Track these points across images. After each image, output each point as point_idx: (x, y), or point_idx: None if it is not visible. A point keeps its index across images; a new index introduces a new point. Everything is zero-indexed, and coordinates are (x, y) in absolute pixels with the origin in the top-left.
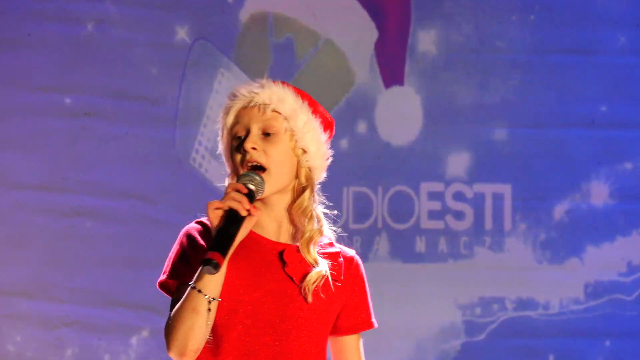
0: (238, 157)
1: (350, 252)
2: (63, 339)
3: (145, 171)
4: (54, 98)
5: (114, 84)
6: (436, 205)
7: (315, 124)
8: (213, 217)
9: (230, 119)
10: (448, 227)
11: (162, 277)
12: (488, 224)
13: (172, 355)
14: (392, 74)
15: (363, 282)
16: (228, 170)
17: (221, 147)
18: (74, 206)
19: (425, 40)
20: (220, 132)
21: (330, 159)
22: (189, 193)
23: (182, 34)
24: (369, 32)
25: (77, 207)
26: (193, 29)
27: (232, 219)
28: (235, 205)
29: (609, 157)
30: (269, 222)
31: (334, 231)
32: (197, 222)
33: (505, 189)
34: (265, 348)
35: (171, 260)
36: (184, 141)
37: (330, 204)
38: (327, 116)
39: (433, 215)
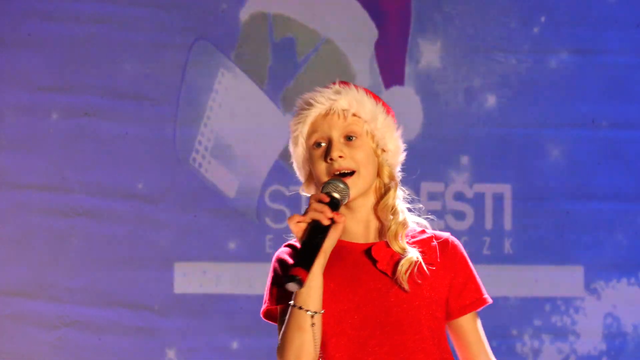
0: (323, 165)
1: (444, 234)
2: (63, 339)
3: (145, 171)
4: (54, 98)
5: (114, 84)
6: (436, 205)
7: (391, 122)
8: (296, 231)
9: (306, 128)
10: (448, 227)
11: (264, 306)
12: (488, 224)
13: None
14: (392, 74)
15: (464, 261)
16: (302, 179)
17: (294, 157)
18: (74, 206)
19: (426, 40)
20: (292, 142)
21: (404, 153)
22: (189, 193)
23: (182, 34)
24: (369, 32)
25: (77, 207)
26: (193, 29)
27: (316, 230)
28: (317, 215)
29: (609, 157)
30: (354, 225)
31: (430, 219)
32: (286, 246)
33: (505, 189)
34: (378, 348)
35: (268, 288)
36: (184, 141)
37: (415, 197)
38: (392, 111)
39: (433, 215)
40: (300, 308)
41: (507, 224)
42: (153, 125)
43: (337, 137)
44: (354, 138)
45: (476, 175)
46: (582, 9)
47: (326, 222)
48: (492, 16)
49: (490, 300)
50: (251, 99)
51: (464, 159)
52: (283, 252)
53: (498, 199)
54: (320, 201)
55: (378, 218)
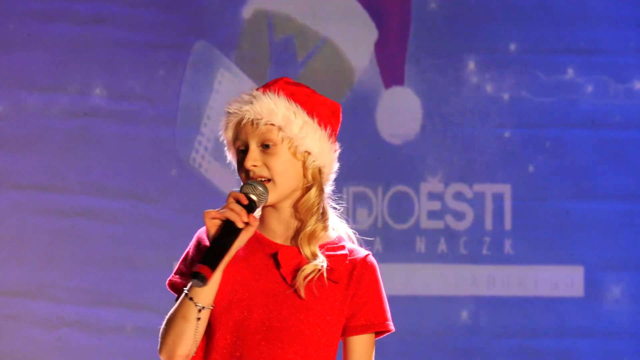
0: (242, 174)
1: (362, 253)
2: (63, 339)
3: (145, 171)
4: (54, 98)
5: (114, 84)
6: (436, 205)
7: (313, 125)
8: (210, 227)
9: (230, 133)
10: (448, 227)
11: (171, 276)
12: (488, 224)
13: (161, 357)
14: (392, 74)
15: (370, 284)
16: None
17: (229, 157)
18: (74, 206)
19: (425, 40)
20: (225, 142)
21: (338, 150)
22: (189, 193)
23: (182, 34)
24: (369, 32)
25: (77, 207)
26: (193, 29)
27: (229, 230)
28: (232, 216)
29: (609, 157)
30: (276, 224)
31: (354, 233)
32: None
33: (505, 189)
34: (255, 350)
35: (179, 261)
36: (184, 141)
37: (338, 207)
38: (328, 106)
39: (433, 215)
40: (191, 299)
41: (507, 224)
42: (153, 125)
43: (254, 145)
44: (270, 146)
45: (476, 175)
46: (582, 9)
47: (241, 225)
48: (492, 16)
49: (390, 329)
50: None
51: (464, 159)
52: (203, 233)
53: (498, 199)
54: (238, 202)
55: (300, 218)
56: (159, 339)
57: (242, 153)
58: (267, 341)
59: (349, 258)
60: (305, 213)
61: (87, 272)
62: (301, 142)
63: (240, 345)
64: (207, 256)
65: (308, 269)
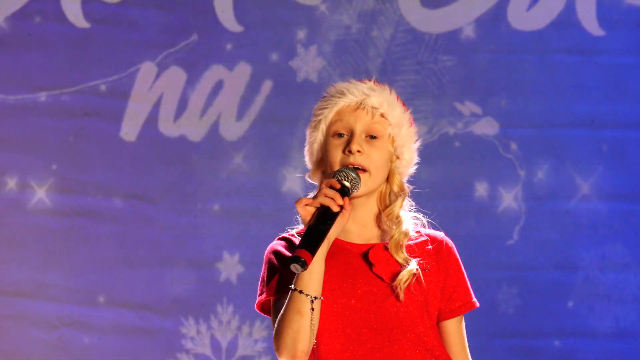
0: (338, 156)
1: (439, 235)
2: (63, 339)
3: (145, 171)
4: (54, 98)
5: (114, 85)
6: None
7: (413, 133)
8: (304, 215)
9: (331, 115)
10: None
11: (260, 297)
12: None
13: (283, 358)
14: None
15: (457, 264)
16: (309, 165)
17: (308, 140)
18: (74, 206)
19: (425, 40)
20: (311, 125)
21: (416, 167)
22: (189, 193)
23: (183, 34)
24: None
25: (77, 207)
26: (194, 29)
27: (324, 216)
28: (327, 201)
29: (609, 157)
30: (351, 224)
31: (422, 217)
32: (280, 239)
33: (506, 189)
34: (371, 353)
35: (264, 280)
36: (184, 141)
37: (422, 210)
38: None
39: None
40: (301, 292)
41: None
42: (153, 125)
43: (359, 131)
44: (376, 137)
45: (476, 175)
46: (582, 9)
47: (336, 209)
48: (492, 16)
49: (477, 304)
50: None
51: (464, 159)
52: (278, 244)
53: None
54: (331, 187)
55: (376, 222)
56: (275, 344)
57: (338, 137)
58: (382, 343)
59: (430, 242)
60: (390, 222)
61: (87, 272)
62: (402, 144)
63: (357, 352)
64: (305, 241)
65: (405, 275)
